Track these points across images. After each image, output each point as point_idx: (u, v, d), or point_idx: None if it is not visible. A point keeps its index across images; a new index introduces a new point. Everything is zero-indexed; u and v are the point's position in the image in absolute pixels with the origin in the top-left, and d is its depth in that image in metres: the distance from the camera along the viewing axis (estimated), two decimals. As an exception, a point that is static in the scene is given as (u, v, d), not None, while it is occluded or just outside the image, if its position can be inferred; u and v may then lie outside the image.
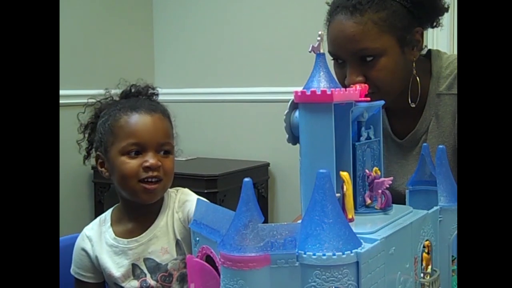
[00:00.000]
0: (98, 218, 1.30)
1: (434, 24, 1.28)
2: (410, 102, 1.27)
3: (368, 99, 0.82)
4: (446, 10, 1.28)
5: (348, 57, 1.20)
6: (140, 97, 1.30)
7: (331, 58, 1.25)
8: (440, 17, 1.28)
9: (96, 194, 3.00)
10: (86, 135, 1.32)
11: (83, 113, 1.33)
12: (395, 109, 1.33)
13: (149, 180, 1.16)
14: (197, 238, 0.78)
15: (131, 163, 1.17)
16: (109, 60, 3.24)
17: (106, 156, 1.22)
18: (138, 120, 1.20)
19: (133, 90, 1.32)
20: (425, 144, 0.96)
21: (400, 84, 1.24)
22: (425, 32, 1.29)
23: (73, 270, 1.27)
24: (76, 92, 3.05)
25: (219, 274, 0.67)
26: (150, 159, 1.16)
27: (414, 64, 1.25)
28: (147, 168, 1.16)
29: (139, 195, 1.18)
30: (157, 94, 1.34)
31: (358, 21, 1.17)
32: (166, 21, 3.41)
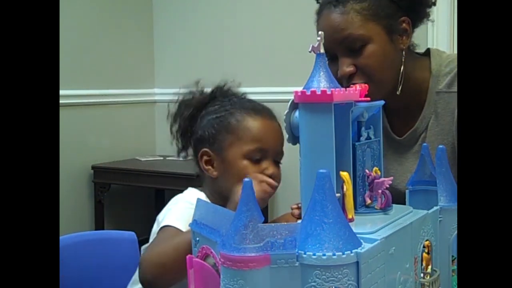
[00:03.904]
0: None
1: (423, 16, 1.29)
2: (398, 88, 1.25)
3: (368, 99, 0.82)
4: (433, 3, 1.30)
5: (337, 48, 1.22)
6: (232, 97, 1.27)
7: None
8: (427, 9, 1.30)
9: (96, 194, 3.00)
10: (176, 126, 1.27)
11: (175, 102, 1.29)
12: (394, 107, 1.33)
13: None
14: (197, 238, 0.78)
15: (253, 169, 1.15)
16: (109, 60, 3.24)
17: (221, 155, 1.19)
18: (265, 125, 1.19)
19: (225, 88, 1.29)
20: (425, 144, 0.96)
21: (392, 72, 1.25)
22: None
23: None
24: (76, 92, 3.05)
25: (219, 274, 0.67)
26: (271, 168, 1.16)
27: (403, 53, 1.26)
28: (269, 177, 1.14)
29: None
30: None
31: (341, 12, 1.21)
32: (166, 21, 3.40)
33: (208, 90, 1.30)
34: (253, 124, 1.18)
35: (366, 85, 0.84)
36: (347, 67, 1.21)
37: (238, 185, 1.05)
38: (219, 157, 1.19)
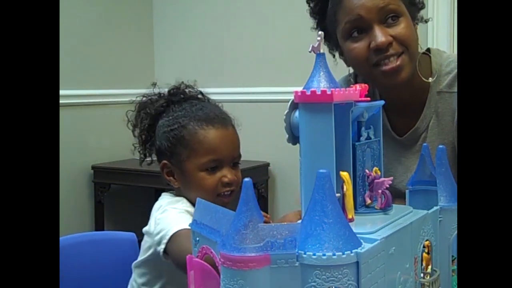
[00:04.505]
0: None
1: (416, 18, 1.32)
2: (424, 78, 1.27)
3: (369, 99, 0.82)
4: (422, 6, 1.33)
5: (374, 16, 1.21)
6: (191, 100, 1.31)
7: (345, 36, 1.25)
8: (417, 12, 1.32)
9: (96, 194, 3.00)
10: (138, 134, 1.32)
11: (133, 111, 1.34)
12: (395, 106, 1.33)
13: (225, 193, 1.22)
14: (197, 238, 0.78)
15: (210, 179, 1.21)
16: (109, 60, 3.25)
17: (179, 168, 1.24)
18: (217, 136, 1.23)
19: (183, 89, 1.33)
20: (425, 144, 0.96)
21: (418, 53, 1.27)
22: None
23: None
24: (76, 92, 3.05)
25: (219, 274, 0.67)
26: (229, 175, 1.22)
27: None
28: (226, 184, 1.22)
29: None
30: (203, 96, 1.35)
31: None
32: (166, 21, 3.41)
33: (165, 91, 1.33)
34: (205, 136, 1.22)
35: (365, 85, 0.84)
36: (384, 36, 1.20)
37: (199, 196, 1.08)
38: (178, 169, 1.24)
